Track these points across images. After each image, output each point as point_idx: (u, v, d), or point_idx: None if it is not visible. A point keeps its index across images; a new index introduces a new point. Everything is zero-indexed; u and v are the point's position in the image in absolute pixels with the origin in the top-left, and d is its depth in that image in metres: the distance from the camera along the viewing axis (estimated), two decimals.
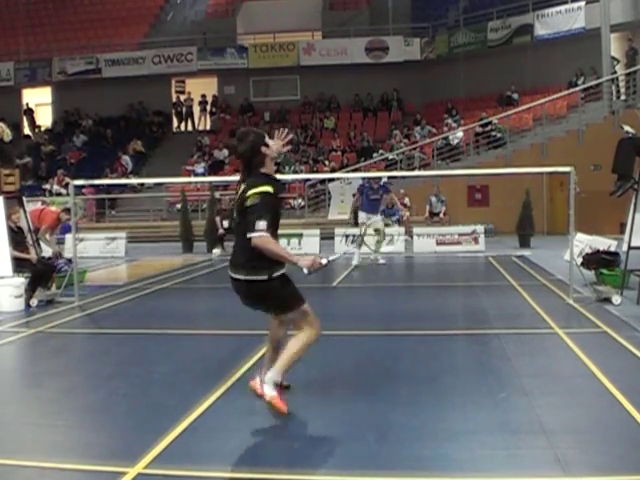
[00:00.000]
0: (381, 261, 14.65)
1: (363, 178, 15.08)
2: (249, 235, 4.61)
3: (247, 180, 4.78)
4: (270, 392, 4.65)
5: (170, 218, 22.98)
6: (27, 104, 31.58)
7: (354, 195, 15.33)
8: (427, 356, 6.73)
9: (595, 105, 22.59)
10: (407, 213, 19.78)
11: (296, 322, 5.13)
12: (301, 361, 6.64)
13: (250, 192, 4.66)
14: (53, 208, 13.37)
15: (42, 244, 11.82)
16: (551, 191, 20.70)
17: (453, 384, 5.68)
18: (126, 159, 26.52)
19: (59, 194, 23.81)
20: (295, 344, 4.98)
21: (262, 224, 4.57)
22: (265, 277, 4.84)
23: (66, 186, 20.91)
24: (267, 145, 4.80)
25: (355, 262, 14.08)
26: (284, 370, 4.85)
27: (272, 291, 4.97)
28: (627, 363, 6.21)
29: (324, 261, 4.94)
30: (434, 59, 28.45)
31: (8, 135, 10.72)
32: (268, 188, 4.69)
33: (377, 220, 14.46)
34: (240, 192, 4.78)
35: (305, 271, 4.93)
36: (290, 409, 5.13)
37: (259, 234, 4.58)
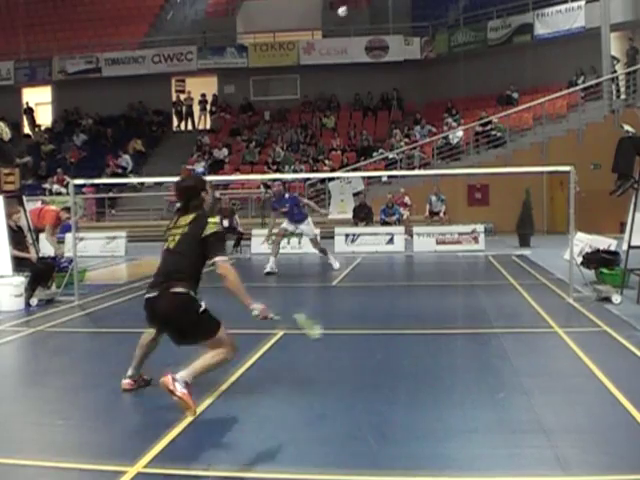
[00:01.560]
0: (335, 265, 13.69)
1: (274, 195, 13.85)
2: (218, 259, 5.04)
3: (192, 211, 5.24)
4: (182, 389, 4.73)
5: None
6: (27, 103, 31.59)
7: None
8: (427, 355, 6.73)
9: (595, 104, 22.59)
10: (407, 212, 19.78)
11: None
12: (300, 360, 6.67)
13: (210, 220, 5.16)
14: (53, 207, 13.37)
15: (43, 243, 11.84)
16: (551, 190, 20.70)
17: (453, 383, 5.68)
18: (126, 158, 26.51)
19: (59, 193, 23.80)
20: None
21: (225, 254, 5.16)
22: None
23: (66, 185, 20.90)
24: (206, 191, 5.42)
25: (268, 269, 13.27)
26: (196, 376, 4.96)
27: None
28: (627, 362, 6.21)
29: (271, 315, 5.28)
30: (434, 58, 28.44)
31: (7, 134, 10.72)
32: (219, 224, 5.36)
33: (305, 231, 13.55)
34: (187, 221, 5.22)
35: (255, 312, 5.22)
36: (290, 409, 5.13)
37: (225, 259, 5.08)
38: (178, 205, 5.45)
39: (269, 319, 5.27)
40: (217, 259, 5.03)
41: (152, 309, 5.13)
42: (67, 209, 12.25)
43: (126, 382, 5.58)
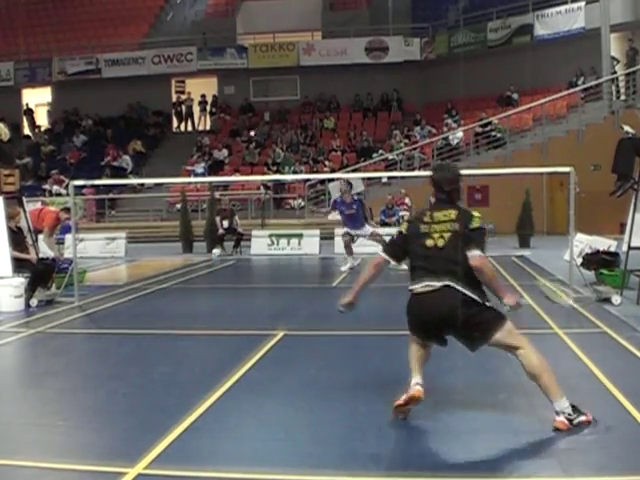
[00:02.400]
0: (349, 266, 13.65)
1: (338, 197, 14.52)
2: (474, 252, 4.65)
3: (453, 206, 4.84)
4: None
5: (170, 218, 22.97)
6: (27, 104, 31.60)
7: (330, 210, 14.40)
8: None
9: (595, 105, 22.60)
10: (407, 213, 19.76)
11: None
12: (300, 361, 6.68)
13: (474, 214, 4.81)
14: (52, 208, 13.37)
15: (41, 245, 11.83)
16: (551, 191, 20.71)
17: (453, 384, 5.68)
18: (126, 159, 26.52)
19: (59, 194, 23.82)
20: None
21: (483, 249, 4.75)
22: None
23: (66, 186, 20.92)
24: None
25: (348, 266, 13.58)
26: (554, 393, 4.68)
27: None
28: (627, 363, 6.21)
29: (523, 302, 4.91)
30: (434, 59, 28.46)
31: (6, 134, 10.72)
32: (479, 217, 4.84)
33: (364, 232, 13.88)
34: (452, 216, 4.76)
35: (507, 308, 5.00)
36: (290, 409, 5.13)
37: (482, 255, 4.70)
38: (432, 199, 5.02)
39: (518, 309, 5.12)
40: (474, 252, 4.64)
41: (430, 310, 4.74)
42: (67, 209, 12.25)
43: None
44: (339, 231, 18.12)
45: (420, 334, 4.89)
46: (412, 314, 4.84)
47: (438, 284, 4.66)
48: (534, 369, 4.82)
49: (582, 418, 4.54)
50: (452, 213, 4.77)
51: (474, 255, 4.64)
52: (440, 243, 4.72)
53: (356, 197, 14.27)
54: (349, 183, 14.57)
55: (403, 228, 5.01)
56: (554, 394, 4.61)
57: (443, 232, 4.73)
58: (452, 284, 4.63)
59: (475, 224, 4.75)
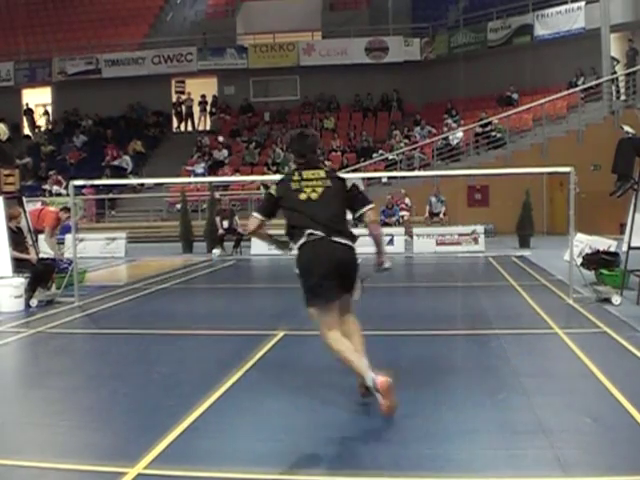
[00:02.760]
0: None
1: None
2: (367, 208, 5.21)
3: (318, 166, 5.34)
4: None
5: (170, 218, 22.98)
6: (27, 104, 31.60)
7: None
8: (427, 356, 6.74)
9: (595, 105, 22.61)
10: (407, 214, 19.78)
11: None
12: (301, 361, 6.68)
13: (342, 175, 5.44)
14: (52, 208, 13.37)
15: (42, 245, 11.83)
16: (551, 191, 20.71)
17: (453, 384, 5.68)
18: (126, 159, 26.52)
19: (59, 194, 23.83)
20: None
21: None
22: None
23: (66, 187, 20.90)
24: None
25: None
26: None
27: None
28: (627, 363, 6.21)
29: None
30: (434, 59, 28.46)
31: (5, 134, 10.72)
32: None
33: None
34: (321, 175, 5.17)
35: (386, 265, 5.57)
36: (290, 409, 5.13)
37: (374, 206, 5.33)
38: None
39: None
40: (367, 208, 5.17)
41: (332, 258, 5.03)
42: (66, 209, 12.25)
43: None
44: None
45: (323, 291, 5.11)
46: (309, 267, 5.08)
47: (321, 234, 4.97)
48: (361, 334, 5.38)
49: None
50: (320, 172, 5.20)
51: (370, 212, 5.21)
52: (314, 196, 5.07)
53: None
54: None
55: (272, 190, 5.25)
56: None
57: (315, 187, 5.09)
58: (334, 236, 5.00)
59: (349, 184, 5.24)
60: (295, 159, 5.48)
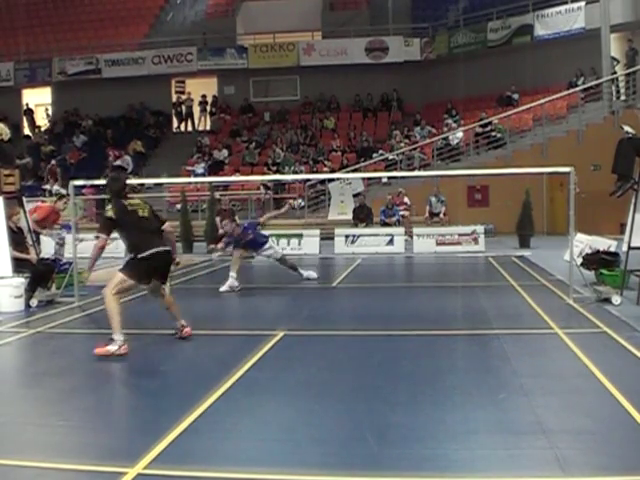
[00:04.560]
0: (313, 275, 12.45)
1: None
2: (167, 224, 7.78)
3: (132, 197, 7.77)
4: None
5: (170, 218, 22.82)
6: (27, 104, 31.60)
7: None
8: (427, 356, 6.74)
9: (595, 105, 22.60)
10: (407, 213, 19.78)
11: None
12: (301, 361, 6.68)
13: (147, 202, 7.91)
14: (47, 204, 13.40)
15: (43, 245, 11.82)
16: (551, 191, 20.70)
17: (453, 384, 5.68)
18: (127, 159, 26.49)
19: (62, 196, 23.76)
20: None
21: None
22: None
23: (63, 184, 20.89)
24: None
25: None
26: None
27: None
28: (627, 363, 6.21)
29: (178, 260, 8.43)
30: (434, 59, 28.45)
31: (7, 134, 10.72)
32: None
33: (271, 254, 12.27)
34: (138, 201, 7.77)
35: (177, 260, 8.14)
36: (290, 409, 5.13)
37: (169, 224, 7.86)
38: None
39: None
40: (167, 224, 7.73)
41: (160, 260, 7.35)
42: (62, 196, 12.24)
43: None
44: (339, 231, 18.17)
45: (146, 279, 7.39)
46: (145, 267, 7.24)
47: (159, 248, 7.27)
48: (171, 303, 7.75)
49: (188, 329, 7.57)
50: (136, 199, 7.74)
51: (166, 225, 7.68)
52: (146, 214, 7.47)
53: (245, 223, 12.47)
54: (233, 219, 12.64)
55: (111, 214, 7.43)
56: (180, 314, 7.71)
57: (143, 208, 7.49)
58: (162, 246, 7.33)
59: (148, 206, 7.69)
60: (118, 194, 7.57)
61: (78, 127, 29.94)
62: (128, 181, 7.97)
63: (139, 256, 7.24)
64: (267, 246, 12.21)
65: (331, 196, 22.31)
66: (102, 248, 7.66)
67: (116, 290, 7.11)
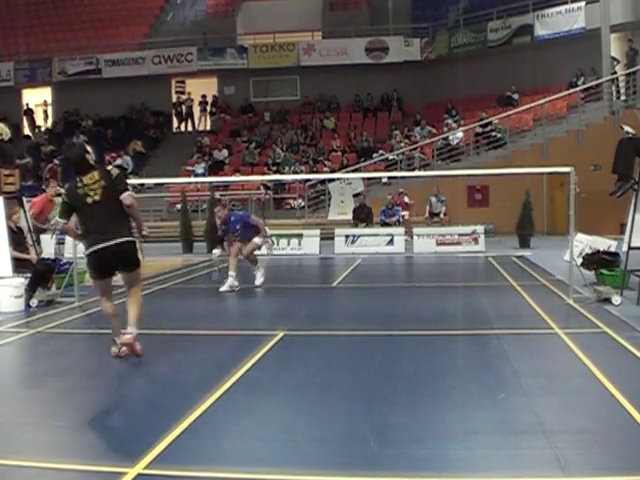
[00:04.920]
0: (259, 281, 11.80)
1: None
2: (126, 194, 6.41)
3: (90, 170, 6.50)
4: (137, 347, 6.50)
5: (170, 218, 22.98)
6: (27, 104, 31.60)
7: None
8: (427, 356, 6.74)
9: (595, 105, 22.61)
10: (407, 213, 19.78)
11: (138, 277, 7.01)
12: (300, 361, 6.68)
13: (112, 169, 6.87)
14: (39, 196, 13.45)
15: (44, 245, 11.83)
16: (551, 191, 20.70)
17: (453, 384, 5.68)
18: (127, 159, 26.50)
19: (59, 194, 23.77)
20: (139, 297, 6.92)
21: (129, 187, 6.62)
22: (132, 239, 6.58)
23: (61, 184, 20.84)
24: (89, 152, 6.65)
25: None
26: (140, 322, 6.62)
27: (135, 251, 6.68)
28: (627, 363, 6.21)
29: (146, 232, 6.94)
30: (434, 59, 28.47)
31: (7, 134, 10.72)
32: (117, 169, 7.04)
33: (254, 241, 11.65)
34: (98, 180, 6.43)
35: (144, 233, 6.85)
36: (290, 409, 5.13)
37: (130, 193, 6.49)
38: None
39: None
40: (124, 195, 6.42)
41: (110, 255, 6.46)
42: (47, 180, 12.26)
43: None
44: (339, 231, 18.17)
45: (100, 273, 6.66)
46: (93, 264, 6.55)
47: (106, 242, 6.35)
48: (139, 297, 6.90)
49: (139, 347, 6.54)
50: (95, 175, 6.43)
51: (125, 196, 6.40)
52: (97, 198, 6.36)
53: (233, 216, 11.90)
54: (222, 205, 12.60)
55: (65, 198, 6.63)
56: (137, 321, 6.63)
57: (96, 190, 6.37)
58: (112, 239, 6.35)
59: (114, 174, 6.55)
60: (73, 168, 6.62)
61: (78, 127, 29.95)
62: (91, 155, 6.67)
63: (85, 253, 6.61)
64: (257, 238, 11.58)
65: (331, 196, 22.33)
66: (71, 230, 6.93)
67: (98, 294, 6.86)
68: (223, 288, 11.27)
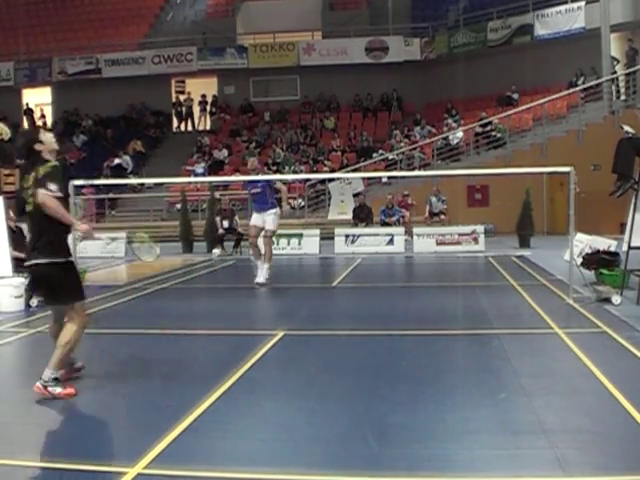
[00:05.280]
0: (261, 280, 11.56)
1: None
2: (41, 192, 5.06)
3: (37, 169, 5.23)
4: (55, 391, 5.17)
5: (170, 218, 22.98)
6: (27, 104, 31.60)
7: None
8: (427, 356, 6.74)
9: (595, 105, 22.60)
10: (408, 213, 19.77)
11: (66, 313, 5.57)
12: (300, 361, 6.68)
13: (46, 165, 5.23)
14: None
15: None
16: (551, 191, 20.70)
17: (453, 384, 5.68)
18: (126, 159, 26.51)
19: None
20: (66, 335, 5.43)
21: (52, 186, 5.11)
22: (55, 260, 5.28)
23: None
24: (41, 142, 5.34)
25: (261, 279, 11.58)
26: (59, 365, 5.33)
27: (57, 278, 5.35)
28: (627, 363, 6.21)
29: (97, 236, 5.86)
30: (434, 59, 28.47)
31: (7, 134, 10.72)
32: (55, 163, 5.33)
33: (267, 222, 11.54)
34: (30, 180, 5.24)
35: (79, 234, 5.71)
36: (290, 409, 5.13)
37: (45, 192, 5.07)
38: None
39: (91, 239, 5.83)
40: (39, 193, 5.10)
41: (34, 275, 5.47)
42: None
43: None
44: (339, 231, 18.16)
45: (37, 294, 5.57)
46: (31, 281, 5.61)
47: (32, 260, 5.27)
48: (66, 337, 5.36)
49: (58, 389, 5.09)
50: (31, 177, 5.21)
51: (38, 194, 5.07)
52: (29, 208, 5.23)
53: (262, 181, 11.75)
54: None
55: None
56: (51, 362, 5.19)
57: (30, 196, 5.20)
58: (39, 259, 5.22)
59: (42, 172, 5.16)
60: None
61: (78, 127, 29.95)
62: (49, 144, 5.40)
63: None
64: (272, 212, 11.49)
65: (331, 196, 22.32)
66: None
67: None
68: (259, 280, 11.45)
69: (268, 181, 11.76)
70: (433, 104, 27.76)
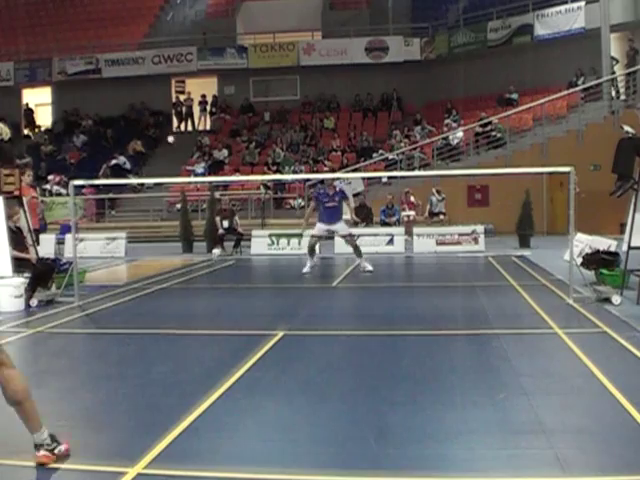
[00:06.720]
0: (368, 268, 13.31)
1: (320, 182, 14.37)
2: None
3: None
4: (62, 449, 4.15)
5: (170, 218, 22.97)
6: (27, 104, 31.60)
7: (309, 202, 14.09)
8: (427, 356, 6.73)
9: (595, 105, 22.60)
10: (413, 213, 19.77)
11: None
12: (301, 361, 6.68)
13: None
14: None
15: (45, 245, 11.80)
16: (551, 191, 20.71)
17: (453, 384, 5.68)
18: (122, 159, 26.46)
19: (59, 194, 23.84)
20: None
21: None
22: None
23: (65, 185, 20.86)
24: None
25: (306, 269, 13.28)
26: (37, 419, 4.22)
27: None
28: (627, 363, 6.21)
29: None
30: (434, 59, 28.48)
31: (7, 134, 10.70)
32: None
33: (340, 229, 13.56)
34: None
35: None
36: (290, 409, 5.13)
37: None
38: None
39: None
40: None
41: None
42: (24, 165, 12.06)
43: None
44: None
45: None
46: None
47: None
48: (18, 394, 4.17)
49: (62, 447, 4.11)
50: None
51: None
52: None
53: (339, 188, 14.02)
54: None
55: None
56: (35, 425, 4.15)
57: None
58: None
59: None
60: None
61: (78, 127, 29.96)
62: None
63: None
64: (342, 221, 13.38)
65: None
66: None
67: None
68: (305, 269, 13.00)
69: (344, 196, 13.65)
70: (433, 104, 27.76)
